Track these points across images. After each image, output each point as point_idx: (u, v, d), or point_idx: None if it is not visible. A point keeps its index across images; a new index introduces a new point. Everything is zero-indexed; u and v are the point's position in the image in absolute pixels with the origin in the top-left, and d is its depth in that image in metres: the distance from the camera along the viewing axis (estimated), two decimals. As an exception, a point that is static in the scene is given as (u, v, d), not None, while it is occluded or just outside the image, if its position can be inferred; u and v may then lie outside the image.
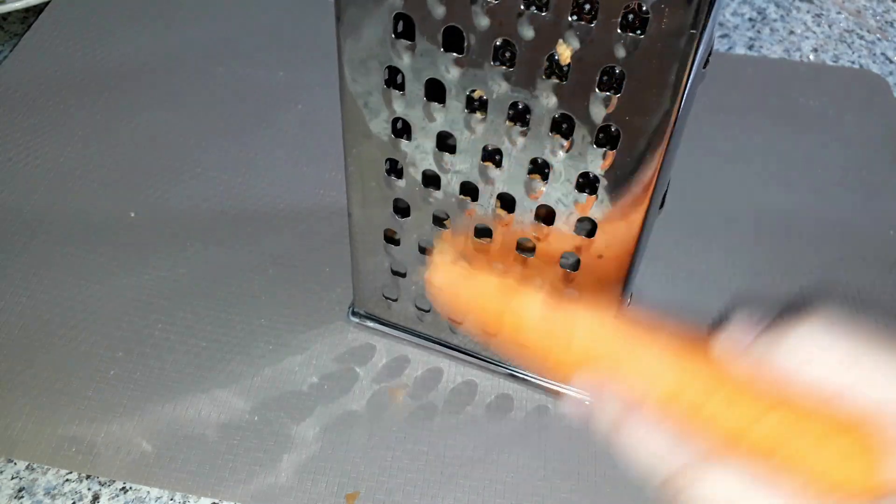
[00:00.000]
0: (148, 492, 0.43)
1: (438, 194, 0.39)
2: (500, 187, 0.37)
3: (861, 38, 0.73)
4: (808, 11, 0.76)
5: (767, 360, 0.29)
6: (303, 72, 0.66)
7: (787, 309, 0.35)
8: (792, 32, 0.73)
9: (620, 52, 0.30)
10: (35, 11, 0.71)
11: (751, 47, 0.72)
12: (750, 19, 0.75)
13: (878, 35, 0.73)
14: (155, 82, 0.65)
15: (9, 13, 0.71)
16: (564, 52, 0.31)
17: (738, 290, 0.53)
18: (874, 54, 0.71)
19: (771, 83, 0.68)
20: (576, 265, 0.39)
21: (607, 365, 0.32)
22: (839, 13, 0.76)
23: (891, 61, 0.71)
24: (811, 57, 0.71)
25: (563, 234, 0.38)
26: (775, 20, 0.75)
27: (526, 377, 0.47)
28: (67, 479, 0.43)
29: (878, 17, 0.75)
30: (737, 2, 0.77)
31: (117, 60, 0.66)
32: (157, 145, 0.60)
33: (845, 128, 0.64)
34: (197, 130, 0.61)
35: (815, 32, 0.74)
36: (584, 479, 0.44)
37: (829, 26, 0.74)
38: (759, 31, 0.73)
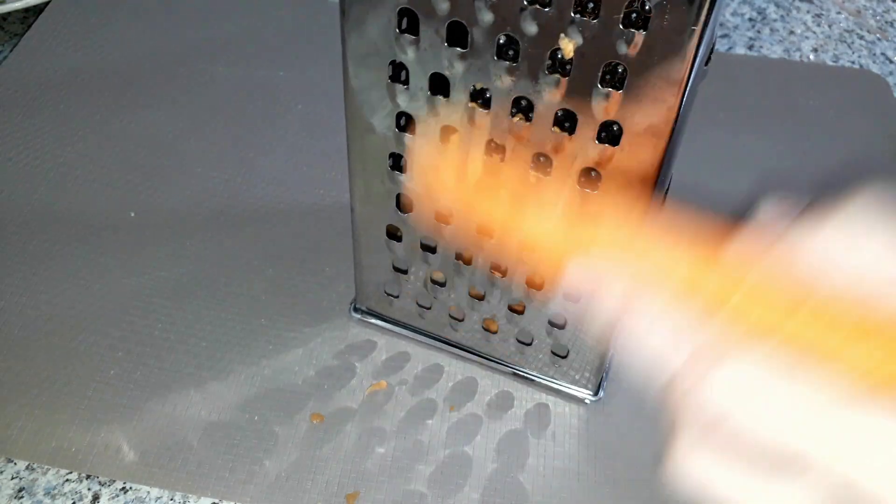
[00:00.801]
0: (148, 492, 0.43)
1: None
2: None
3: (861, 38, 0.73)
4: (808, 11, 0.76)
5: (802, 248, 0.25)
6: (303, 71, 0.66)
7: (824, 191, 0.32)
8: (792, 32, 0.74)
9: (623, 49, 0.30)
10: (35, 11, 0.71)
11: (751, 47, 0.72)
12: (750, 19, 0.75)
13: (878, 35, 0.73)
14: (155, 82, 0.65)
15: (9, 13, 0.71)
16: (567, 47, 0.31)
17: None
18: (874, 54, 0.71)
19: (771, 83, 0.68)
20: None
21: (624, 260, 0.29)
22: (839, 13, 0.76)
23: (891, 61, 0.71)
24: (811, 57, 0.71)
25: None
26: (775, 20, 0.75)
27: (526, 375, 0.47)
28: (67, 479, 0.43)
29: (878, 17, 0.75)
30: (737, 2, 0.77)
31: (117, 60, 0.66)
32: (157, 145, 0.60)
33: (845, 128, 0.64)
34: (197, 130, 0.61)
35: (815, 32, 0.74)
36: (584, 478, 0.44)
37: (829, 26, 0.74)
38: (759, 31, 0.73)
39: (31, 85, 0.64)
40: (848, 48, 0.72)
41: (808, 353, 0.24)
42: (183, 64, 0.66)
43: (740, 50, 0.71)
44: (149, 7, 0.71)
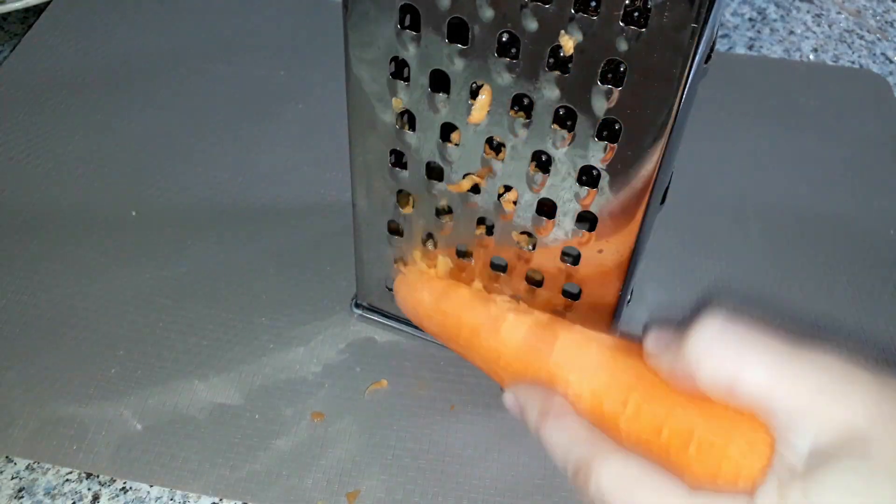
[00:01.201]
0: (148, 491, 0.43)
1: (442, 186, 0.39)
2: (503, 179, 0.37)
3: (861, 38, 0.73)
4: (808, 11, 0.76)
5: (678, 359, 0.30)
6: (304, 71, 0.66)
7: (694, 309, 0.42)
8: (792, 32, 0.74)
9: (622, 46, 0.31)
10: (35, 11, 0.71)
11: (751, 47, 0.72)
12: (750, 19, 0.75)
13: (878, 35, 0.74)
14: (156, 81, 0.65)
15: (9, 13, 0.71)
16: (567, 44, 0.31)
17: (738, 290, 0.53)
18: (874, 54, 0.71)
19: (771, 83, 0.68)
20: (576, 260, 0.39)
21: (545, 363, 0.35)
22: (839, 13, 0.76)
23: (891, 61, 0.71)
24: (811, 57, 0.71)
25: (563, 228, 0.38)
26: (775, 20, 0.75)
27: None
28: (67, 479, 0.43)
29: (878, 17, 0.76)
30: (737, 2, 0.77)
31: (118, 60, 0.67)
32: (158, 144, 0.60)
33: (845, 127, 0.64)
34: (198, 129, 0.61)
35: (815, 32, 0.74)
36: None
37: (829, 26, 0.74)
38: (759, 31, 0.74)
39: (32, 84, 0.64)
40: (848, 48, 0.72)
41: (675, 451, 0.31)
42: (184, 63, 0.67)
43: (740, 50, 0.72)
44: (149, 7, 0.72)
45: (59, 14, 0.70)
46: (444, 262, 0.42)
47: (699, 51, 0.30)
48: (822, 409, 0.27)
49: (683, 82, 0.31)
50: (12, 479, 0.43)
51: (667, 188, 0.37)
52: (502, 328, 0.38)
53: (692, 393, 0.30)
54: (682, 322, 0.31)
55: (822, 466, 0.26)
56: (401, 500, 0.42)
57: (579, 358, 0.35)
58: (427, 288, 0.41)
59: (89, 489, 0.43)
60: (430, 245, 0.42)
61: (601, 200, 0.36)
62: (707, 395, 0.30)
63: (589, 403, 0.34)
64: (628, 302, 0.47)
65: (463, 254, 0.42)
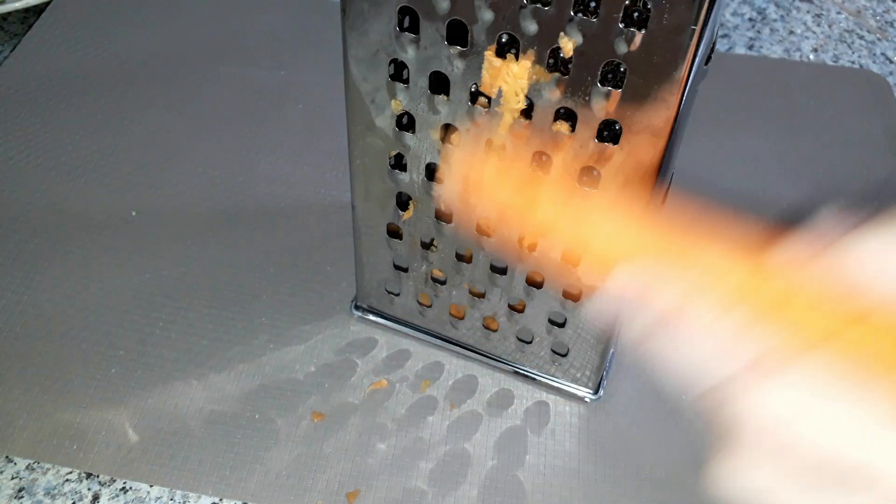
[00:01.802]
0: (148, 491, 0.43)
1: (442, 188, 0.39)
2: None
3: (861, 38, 0.73)
4: (808, 11, 0.76)
5: (857, 258, 0.25)
6: (303, 71, 0.66)
7: (881, 202, 0.29)
8: (792, 32, 0.74)
9: (622, 48, 0.30)
10: (35, 11, 0.71)
11: (751, 47, 0.72)
12: (750, 19, 0.75)
13: (878, 35, 0.74)
14: (156, 82, 0.65)
15: (9, 13, 0.71)
16: (567, 46, 0.31)
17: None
18: (874, 54, 0.71)
19: (771, 83, 0.68)
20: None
21: (646, 263, 0.28)
22: (839, 13, 0.76)
23: (891, 61, 0.71)
24: (811, 57, 0.71)
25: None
26: (775, 20, 0.75)
27: (527, 373, 0.47)
28: (67, 479, 0.43)
29: (878, 17, 0.75)
30: (737, 2, 0.77)
31: (118, 60, 0.67)
32: (158, 144, 0.60)
33: (845, 127, 0.64)
34: (198, 129, 0.61)
35: (815, 32, 0.74)
36: (583, 476, 0.44)
37: (829, 26, 0.74)
38: (759, 31, 0.74)
39: (33, 84, 0.64)
40: (848, 48, 0.72)
41: (865, 365, 0.24)
42: (183, 64, 0.67)
43: (740, 50, 0.72)
44: (150, 8, 0.72)
45: (59, 14, 0.70)
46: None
47: (699, 52, 0.30)
48: None
49: (684, 84, 0.31)
50: (12, 479, 0.43)
51: (667, 189, 0.37)
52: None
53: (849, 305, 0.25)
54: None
55: None
56: (400, 499, 0.42)
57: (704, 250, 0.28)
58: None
59: (89, 489, 0.43)
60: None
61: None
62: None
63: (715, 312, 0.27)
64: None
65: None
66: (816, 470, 0.24)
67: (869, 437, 0.23)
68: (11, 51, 0.67)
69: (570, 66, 0.32)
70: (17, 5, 0.68)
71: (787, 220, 0.27)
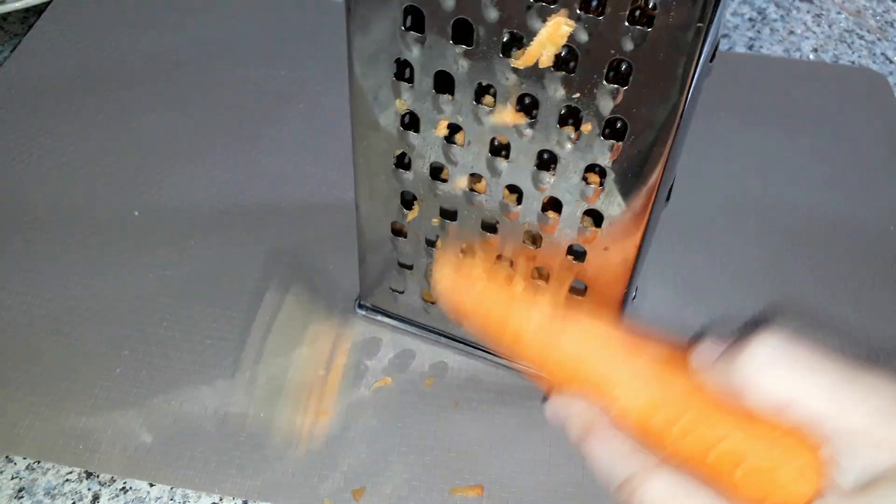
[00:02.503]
0: (148, 492, 0.43)
1: (446, 187, 0.39)
2: (508, 179, 0.37)
3: (861, 38, 0.73)
4: (808, 11, 0.76)
5: (729, 376, 0.30)
6: (305, 71, 0.66)
7: (749, 324, 0.42)
8: (792, 32, 0.74)
9: (628, 45, 0.31)
10: (35, 11, 0.71)
11: (751, 47, 0.72)
12: (750, 19, 0.75)
13: (878, 35, 0.74)
14: (158, 82, 0.65)
15: (9, 13, 0.71)
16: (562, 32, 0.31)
17: (739, 288, 0.53)
18: (874, 54, 0.72)
19: (771, 81, 0.68)
20: (582, 256, 0.39)
21: (592, 374, 0.34)
22: (839, 13, 0.76)
23: (891, 61, 0.71)
24: (811, 57, 0.71)
25: (569, 226, 0.38)
26: (775, 20, 0.75)
27: (532, 371, 0.47)
28: (67, 479, 0.43)
29: (878, 17, 0.76)
30: (737, 2, 0.77)
31: (119, 60, 0.67)
32: (160, 144, 0.60)
33: (845, 125, 0.65)
34: (199, 129, 0.62)
35: (815, 32, 0.74)
36: (588, 473, 0.44)
37: (829, 26, 0.75)
38: (759, 31, 0.74)
39: (35, 84, 0.64)
40: (848, 48, 0.72)
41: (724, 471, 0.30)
42: (185, 64, 0.67)
43: (740, 50, 0.72)
44: (151, 8, 0.72)
45: (60, 14, 0.70)
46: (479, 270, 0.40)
47: (704, 50, 0.30)
48: (877, 431, 0.27)
49: (689, 81, 0.31)
50: (12, 479, 0.43)
51: (671, 186, 0.37)
52: (547, 336, 0.36)
53: (738, 411, 0.30)
54: (737, 336, 0.30)
55: (874, 488, 0.26)
56: (406, 496, 0.43)
57: (627, 371, 0.34)
58: (467, 290, 0.39)
59: (89, 489, 0.43)
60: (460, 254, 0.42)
61: (607, 199, 0.36)
62: (754, 414, 0.29)
63: (635, 419, 0.33)
64: (633, 298, 0.47)
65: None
66: None
67: None
68: (12, 51, 0.67)
69: (573, 64, 0.32)
70: (17, 5, 0.68)
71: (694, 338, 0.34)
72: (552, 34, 0.31)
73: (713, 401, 0.31)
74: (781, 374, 0.28)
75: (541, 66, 0.32)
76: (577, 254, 0.39)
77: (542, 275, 0.42)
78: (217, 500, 0.43)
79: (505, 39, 0.33)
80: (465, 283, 0.39)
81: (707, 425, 0.30)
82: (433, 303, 0.46)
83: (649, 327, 0.35)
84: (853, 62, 0.71)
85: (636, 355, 0.34)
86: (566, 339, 0.35)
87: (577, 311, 0.37)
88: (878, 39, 0.73)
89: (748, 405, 0.29)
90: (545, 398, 0.37)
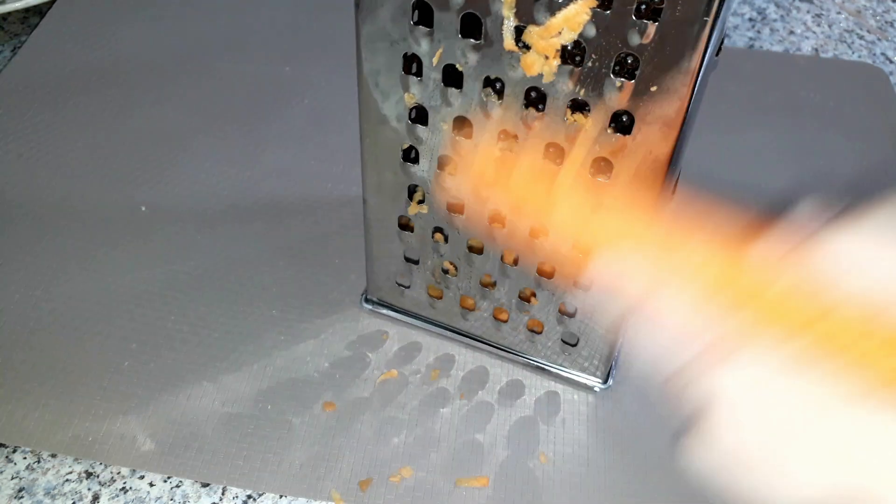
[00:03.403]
0: (148, 492, 0.43)
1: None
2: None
3: (861, 38, 0.74)
4: (808, 11, 0.77)
5: (832, 252, 0.25)
6: (309, 66, 0.67)
7: (858, 195, 0.31)
8: (792, 32, 0.74)
9: (635, 39, 0.31)
10: (35, 12, 0.71)
11: (751, 47, 0.72)
12: (750, 19, 0.76)
13: (878, 35, 0.74)
14: (163, 78, 0.65)
15: (9, 13, 0.71)
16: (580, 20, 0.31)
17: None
18: (874, 54, 0.72)
19: (771, 77, 0.69)
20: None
21: (641, 252, 0.30)
22: (839, 13, 0.77)
23: (891, 61, 0.72)
24: (811, 56, 0.72)
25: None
26: (775, 20, 0.76)
27: (537, 364, 0.47)
28: (67, 479, 0.43)
29: (878, 17, 0.76)
30: (737, 2, 0.77)
31: (125, 57, 0.67)
32: (166, 141, 0.61)
33: (845, 120, 0.65)
34: (204, 126, 0.62)
35: (815, 32, 0.74)
36: (593, 464, 0.44)
37: (829, 26, 0.75)
38: (759, 31, 0.74)
39: (41, 82, 0.64)
40: (848, 48, 0.73)
41: (828, 359, 0.25)
42: (190, 60, 0.67)
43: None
44: (156, 4, 0.72)
45: (65, 12, 0.71)
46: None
47: (711, 43, 0.30)
48: None
49: (695, 75, 0.31)
50: (12, 479, 0.43)
51: (677, 180, 0.38)
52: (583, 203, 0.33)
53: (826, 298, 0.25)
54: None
55: None
56: (412, 487, 0.43)
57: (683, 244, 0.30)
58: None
59: (89, 489, 0.43)
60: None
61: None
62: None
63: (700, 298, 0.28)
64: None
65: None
66: (784, 444, 0.25)
67: (832, 413, 0.24)
68: (12, 51, 0.67)
69: (579, 58, 0.32)
70: (17, 5, 0.68)
71: (771, 210, 0.28)
72: (571, 18, 0.31)
73: (794, 285, 0.26)
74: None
75: (551, 50, 0.33)
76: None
77: (546, 272, 0.42)
78: (217, 501, 0.43)
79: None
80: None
81: (789, 309, 0.25)
82: (440, 297, 0.47)
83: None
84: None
85: (691, 230, 0.30)
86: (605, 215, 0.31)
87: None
88: (878, 39, 0.74)
89: (847, 294, 0.25)
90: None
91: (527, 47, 0.33)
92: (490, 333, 0.47)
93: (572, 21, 0.31)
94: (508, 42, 0.33)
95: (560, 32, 0.32)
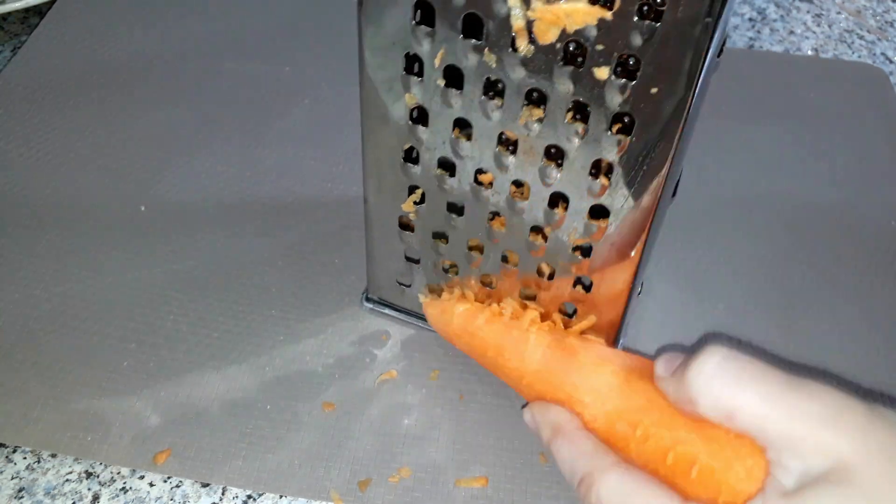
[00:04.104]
0: (148, 492, 0.43)
1: (453, 181, 0.39)
2: (515, 174, 0.38)
3: (861, 38, 0.74)
4: (808, 11, 0.77)
5: (682, 387, 0.32)
6: (309, 67, 0.67)
7: (703, 339, 0.46)
8: (792, 32, 0.74)
9: (636, 40, 0.31)
10: (35, 12, 0.71)
11: (751, 47, 0.72)
12: (750, 19, 0.76)
13: (877, 35, 0.74)
14: (164, 79, 0.65)
15: (9, 13, 0.71)
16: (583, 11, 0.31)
17: (741, 282, 0.53)
18: (874, 54, 0.72)
19: (772, 77, 0.69)
20: (588, 253, 0.39)
21: (565, 383, 0.38)
22: (839, 13, 0.77)
23: (891, 61, 0.72)
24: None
25: (576, 221, 0.38)
26: (775, 20, 0.76)
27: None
28: (67, 479, 0.43)
29: (878, 17, 0.76)
30: (737, 2, 0.77)
31: (126, 57, 0.67)
32: (166, 141, 0.61)
33: (845, 120, 0.65)
34: (205, 125, 0.62)
35: (815, 32, 0.74)
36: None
37: (829, 26, 0.75)
38: (759, 31, 0.74)
39: (41, 82, 0.64)
40: (848, 48, 0.73)
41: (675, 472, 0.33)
42: (190, 60, 0.67)
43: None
44: (156, 5, 0.72)
45: (67, 11, 0.71)
46: (468, 291, 0.45)
47: (712, 45, 0.30)
48: (814, 436, 0.29)
49: (697, 76, 0.31)
50: (12, 479, 0.43)
51: (678, 181, 0.38)
52: (525, 351, 0.40)
53: (695, 417, 0.32)
54: (691, 348, 0.32)
55: (808, 489, 0.29)
56: (412, 488, 0.43)
57: (594, 380, 0.37)
58: (454, 311, 0.43)
59: (89, 489, 0.43)
60: (451, 275, 0.45)
61: (614, 194, 0.36)
62: (708, 420, 0.32)
63: (603, 425, 0.36)
64: (638, 294, 0.48)
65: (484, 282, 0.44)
66: None
67: None
68: (12, 51, 0.67)
69: (581, 60, 0.32)
70: (17, 5, 0.68)
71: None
72: (574, 11, 0.31)
73: (672, 408, 0.34)
74: (727, 385, 0.31)
75: (549, 39, 0.33)
76: (583, 249, 0.40)
77: (547, 272, 0.42)
78: (217, 501, 0.43)
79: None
80: (450, 304, 0.44)
81: (666, 430, 0.33)
82: (440, 297, 0.47)
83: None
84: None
85: (606, 365, 0.37)
86: (540, 354, 0.39)
87: (562, 329, 0.42)
88: (878, 39, 0.74)
89: (700, 413, 0.32)
90: (524, 406, 0.41)
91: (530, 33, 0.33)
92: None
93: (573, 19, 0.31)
94: (518, 24, 0.32)
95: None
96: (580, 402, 0.37)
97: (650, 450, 0.34)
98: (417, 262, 0.45)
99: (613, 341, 0.44)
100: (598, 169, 0.36)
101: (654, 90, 0.32)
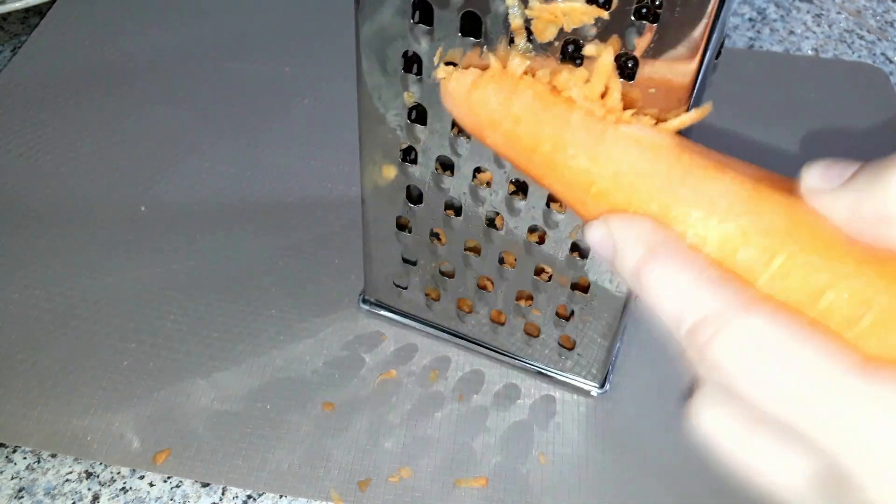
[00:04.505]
0: (148, 492, 0.43)
1: (452, 181, 0.39)
2: (514, 174, 0.38)
3: (861, 38, 0.74)
4: (808, 11, 0.77)
5: (865, 202, 0.22)
6: (309, 66, 0.67)
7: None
8: (792, 32, 0.74)
9: (634, 41, 0.31)
10: (35, 12, 0.71)
11: (751, 47, 0.72)
12: (750, 19, 0.76)
13: (877, 35, 0.74)
14: (164, 79, 0.65)
15: (9, 13, 0.71)
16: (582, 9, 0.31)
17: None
18: (874, 54, 0.72)
19: (772, 77, 0.69)
20: (585, 254, 0.39)
21: (658, 193, 0.26)
22: (839, 13, 0.77)
23: (891, 61, 0.72)
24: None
25: (576, 221, 0.38)
26: (775, 20, 0.76)
27: (533, 367, 0.47)
28: (67, 479, 0.43)
29: (878, 17, 0.76)
30: (737, 2, 0.77)
31: (126, 57, 0.67)
32: (166, 141, 0.61)
33: (845, 119, 0.65)
34: (205, 126, 0.62)
35: (815, 32, 0.74)
36: (588, 468, 0.44)
37: (829, 26, 0.75)
38: (759, 31, 0.74)
39: (41, 82, 0.64)
40: (848, 48, 0.73)
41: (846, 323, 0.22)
42: (190, 61, 0.67)
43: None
44: (156, 5, 0.72)
45: (67, 11, 0.71)
46: (514, 59, 0.31)
47: (710, 46, 0.30)
48: None
49: (695, 77, 0.31)
50: (12, 479, 0.43)
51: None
52: (601, 144, 0.27)
53: (874, 247, 0.22)
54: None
55: None
56: (411, 487, 0.43)
57: (708, 188, 0.25)
58: (494, 84, 0.30)
59: (89, 489, 0.43)
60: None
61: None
62: (889, 255, 0.22)
63: (716, 250, 0.24)
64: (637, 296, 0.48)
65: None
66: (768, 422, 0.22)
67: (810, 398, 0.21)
68: (12, 51, 0.67)
69: (580, 61, 0.32)
70: (17, 5, 0.68)
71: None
72: (571, 9, 0.30)
73: (829, 234, 0.23)
74: None
75: (548, 37, 0.32)
76: (581, 250, 0.40)
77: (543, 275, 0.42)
78: (217, 501, 0.43)
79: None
80: (487, 77, 0.30)
81: (821, 261, 0.23)
82: (437, 299, 0.47)
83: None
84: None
85: (725, 170, 0.26)
86: (623, 150, 0.27)
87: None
88: (878, 39, 0.74)
89: (890, 241, 0.22)
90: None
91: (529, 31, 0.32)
92: (487, 336, 0.47)
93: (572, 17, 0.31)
94: (516, 22, 0.32)
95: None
96: (682, 217, 0.25)
97: (793, 288, 0.23)
98: (415, 263, 0.45)
99: (608, 349, 0.44)
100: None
101: (651, 91, 0.32)
